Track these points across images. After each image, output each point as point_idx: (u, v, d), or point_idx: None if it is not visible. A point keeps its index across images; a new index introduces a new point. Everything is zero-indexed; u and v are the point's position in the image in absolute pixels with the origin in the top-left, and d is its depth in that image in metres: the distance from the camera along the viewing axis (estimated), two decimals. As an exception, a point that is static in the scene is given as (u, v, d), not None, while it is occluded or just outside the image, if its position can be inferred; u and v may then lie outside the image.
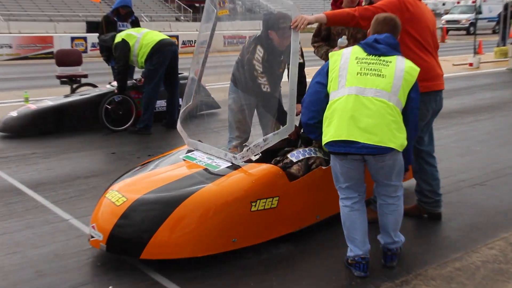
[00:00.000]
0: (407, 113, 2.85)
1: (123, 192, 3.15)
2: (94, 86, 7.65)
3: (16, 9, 24.88)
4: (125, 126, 6.41)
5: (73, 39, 16.54)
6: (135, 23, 7.24)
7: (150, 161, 3.69)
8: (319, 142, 3.44)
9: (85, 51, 15.73)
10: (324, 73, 2.91)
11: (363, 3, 3.81)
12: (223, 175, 3.24)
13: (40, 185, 4.39)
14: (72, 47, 15.64)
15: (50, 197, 4.13)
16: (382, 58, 2.81)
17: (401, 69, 2.78)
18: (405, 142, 2.78)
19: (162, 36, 6.35)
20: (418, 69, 2.84)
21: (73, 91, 7.70)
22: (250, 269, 2.95)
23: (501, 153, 5.32)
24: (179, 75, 6.67)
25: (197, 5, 32.49)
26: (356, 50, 2.88)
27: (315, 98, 2.91)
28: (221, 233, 3.02)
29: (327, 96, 2.88)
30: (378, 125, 2.71)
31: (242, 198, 3.09)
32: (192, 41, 17.88)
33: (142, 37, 6.14)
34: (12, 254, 3.15)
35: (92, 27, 17.65)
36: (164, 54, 6.18)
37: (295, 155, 3.48)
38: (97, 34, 7.41)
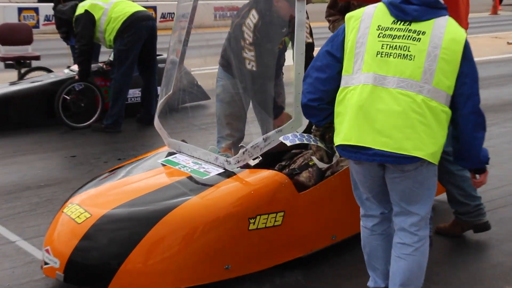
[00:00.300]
0: (458, 94, 2.68)
1: (86, 206, 3.24)
2: (49, 70, 7.84)
3: None
4: (88, 122, 6.60)
5: (20, 10, 16.87)
6: None
7: (120, 167, 3.78)
8: (321, 130, 3.48)
9: (36, 26, 16.11)
10: (338, 42, 2.84)
11: None
12: (213, 185, 3.34)
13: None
14: (19, 20, 16.01)
15: (-3, 210, 4.28)
16: (413, 26, 2.67)
17: (436, 44, 2.64)
18: (440, 150, 2.68)
19: (137, 7, 6.54)
20: (463, 38, 2.68)
21: (21, 77, 7.88)
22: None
23: None
24: (158, 57, 6.90)
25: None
26: (379, 13, 2.77)
27: (326, 75, 2.84)
28: (211, 258, 3.13)
29: (340, 72, 2.84)
30: (398, 126, 2.64)
31: (237, 214, 3.20)
32: (173, 13, 18.10)
33: (110, 9, 6.30)
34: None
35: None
36: (139, 31, 6.36)
37: (290, 138, 3.42)
38: (52, 4, 7.63)
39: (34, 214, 4.16)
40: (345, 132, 2.74)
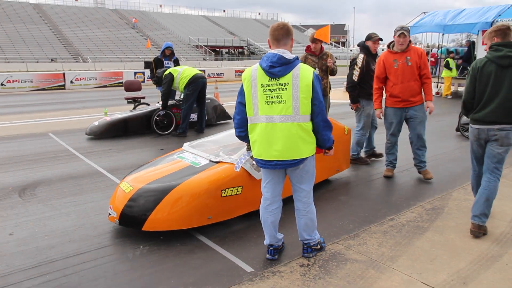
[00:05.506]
0: (312, 112, 3.42)
1: (131, 183, 4.47)
2: (148, 104, 11.81)
3: (99, 54, 44.89)
4: (168, 131, 10.01)
5: (135, 73, 25.92)
6: (176, 62, 11.30)
7: (155, 160, 5.08)
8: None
9: (143, 81, 24.96)
10: (244, 96, 3.57)
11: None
12: (202, 170, 4.56)
13: (115, 170, 6.79)
14: (134, 78, 23.70)
15: (121, 177, 6.01)
16: (281, 80, 3.36)
17: (296, 90, 3.33)
18: (313, 148, 3.49)
19: (196, 71, 9.91)
20: (310, 79, 3.31)
21: (134, 107, 12.06)
22: (222, 239, 4.37)
23: None
24: (206, 97, 10.22)
25: (217, 49, 56.73)
26: (260, 75, 3.43)
27: (243, 117, 3.60)
28: (200, 212, 4.25)
29: None
30: (286, 144, 3.42)
31: (215, 187, 4.33)
32: (214, 73, 29.36)
33: (182, 71, 9.73)
34: (99, 215, 4.93)
35: (147, 65, 25.69)
36: (197, 84, 9.71)
37: (239, 161, 4.36)
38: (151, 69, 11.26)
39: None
40: (257, 150, 3.55)
